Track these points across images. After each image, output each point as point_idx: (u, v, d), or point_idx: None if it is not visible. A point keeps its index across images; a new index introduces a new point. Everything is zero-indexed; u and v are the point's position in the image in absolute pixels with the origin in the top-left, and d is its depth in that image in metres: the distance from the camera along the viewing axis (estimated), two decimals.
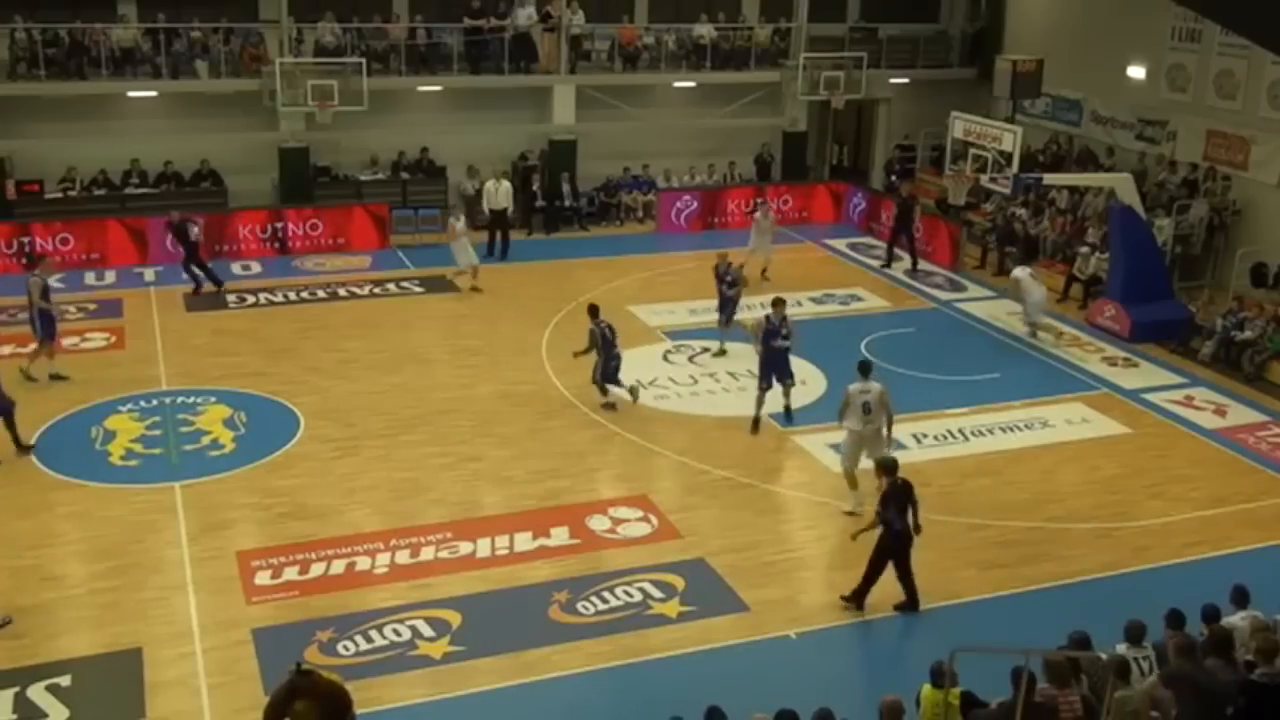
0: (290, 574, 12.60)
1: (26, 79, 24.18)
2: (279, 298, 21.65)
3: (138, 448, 15.43)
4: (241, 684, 10.80)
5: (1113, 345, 20.17)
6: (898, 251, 24.60)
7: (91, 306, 20.88)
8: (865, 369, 14.31)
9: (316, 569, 12.70)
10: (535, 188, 26.71)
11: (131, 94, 24.96)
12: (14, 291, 21.25)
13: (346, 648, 11.36)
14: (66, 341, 19.08)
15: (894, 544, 11.98)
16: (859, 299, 22.44)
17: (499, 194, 24.57)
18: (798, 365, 18.67)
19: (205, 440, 15.66)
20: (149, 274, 22.86)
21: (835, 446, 15.78)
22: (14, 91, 23.87)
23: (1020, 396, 17.80)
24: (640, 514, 14.04)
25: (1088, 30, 26.35)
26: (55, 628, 11.61)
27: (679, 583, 12.58)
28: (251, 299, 21.51)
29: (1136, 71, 25.38)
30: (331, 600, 12.16)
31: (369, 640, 11.49)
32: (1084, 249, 22.67)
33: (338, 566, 12.78)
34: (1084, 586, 12.77)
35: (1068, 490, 15.00)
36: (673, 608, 12.16)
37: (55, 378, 17.53)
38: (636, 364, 18.70)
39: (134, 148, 25.15)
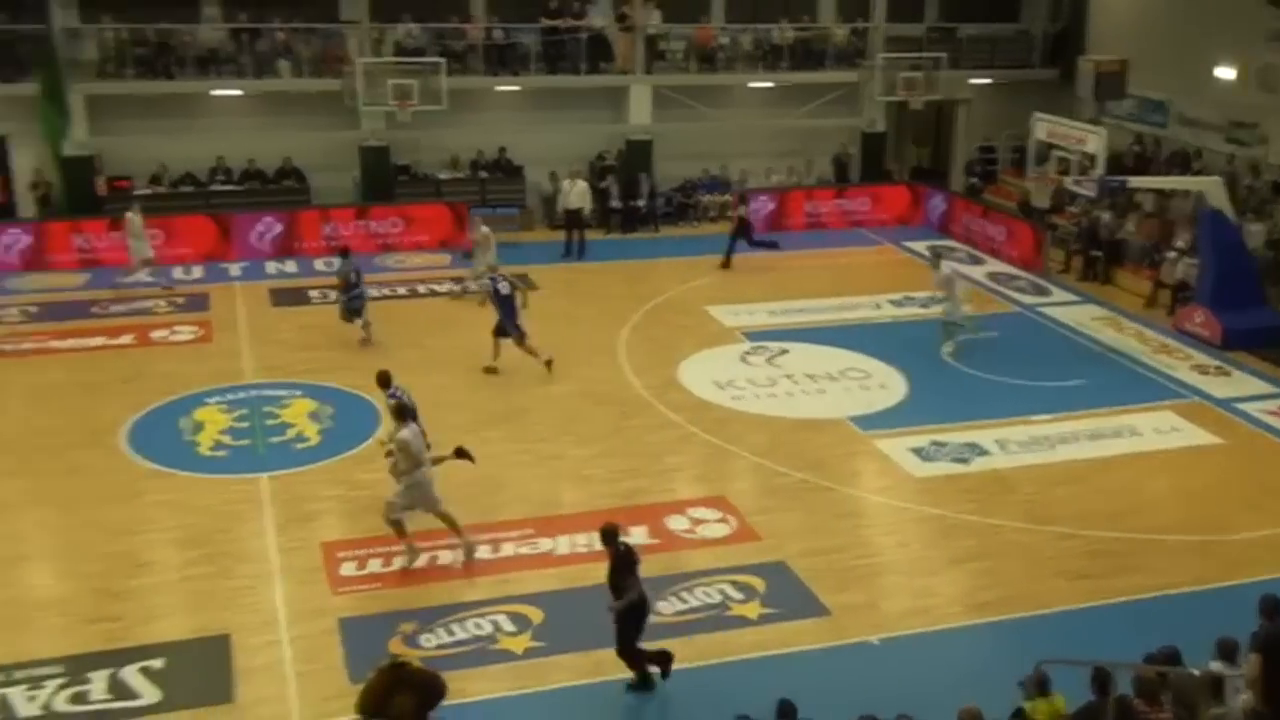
0: (374, 566, 12.75)
1: (116, 78, 24.73)
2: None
3: (226, 439, 15.71)
4: (328, 673, 10.93)
5: (1202, 352, 19.73)
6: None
7: (180, 300, 21.30)
8: (408, 414, 13.02)
9: (400, 561, 12.82)
10: (605, 186, 26.73)
11: (216, 93, 25.42)
12: (107, 283, 21.89)
13: (429, 640, 11.46)
14: (156, 334, 19.54)
15: (634, 616, 10.77)
16: (940, 302, 22.16)
17: (574, 194, 24.68)
18: (874, 367, 18.64)
19: (291, 433, 15.88)
20: (235, 269, 23.27)
21: (918, 451, 15.72)
22: (104, 90, 24.41)
23: (1107, 403, 17.48)
24: (719, 515, 14.01)
25: (1174, 29, 25.83)
26: (148, 612, 11.86)
27: (759, 585, 12.53)
28: (334, 295, 21.73)
29: (1225, 72, 24.83)
30: (415, 593, 12.28)
31: (451, 633, 11.59)
32: (1171, 254, 22.26)
33: (420, 560, 12.89)
34: (1174, 600, 12.49)
35: (1157, 500, 14.72)
36: (752, 609, 12.12)
37: None
38: (714, 364, 18.72)
39: (220, 145, 25.61)
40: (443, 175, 26.88)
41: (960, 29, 29.72)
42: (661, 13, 27.45)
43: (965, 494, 14.68)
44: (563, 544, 13.31)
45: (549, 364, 18.01)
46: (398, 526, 12.74)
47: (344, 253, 19.60)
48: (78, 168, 24.25)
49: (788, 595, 12.38)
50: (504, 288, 18.07)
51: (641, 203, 27.02)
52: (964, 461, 15.57)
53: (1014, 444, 16.09)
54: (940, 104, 29.48)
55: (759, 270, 23.84)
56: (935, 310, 20.15)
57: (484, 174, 27.06)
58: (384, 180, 26.08)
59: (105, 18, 24.74)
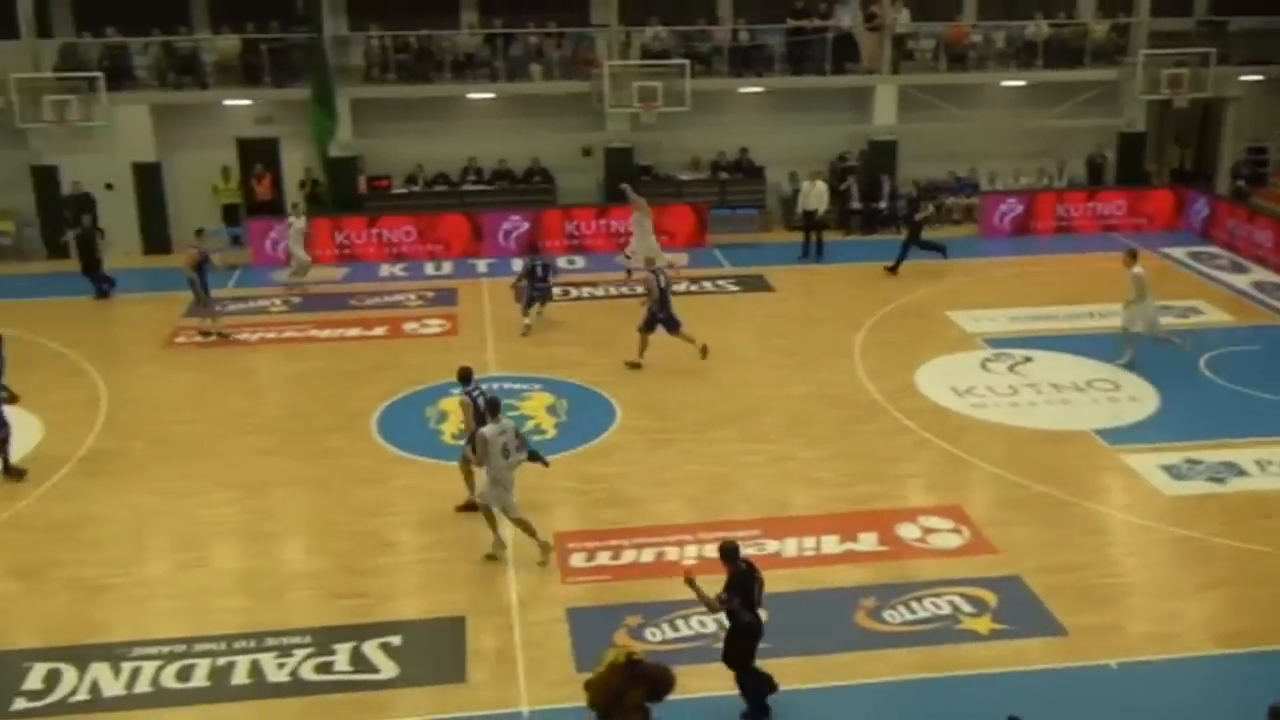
0: (603, 558, 12.98)
1: (379, 83, 26.07)
2: (600, 292, 22.37)
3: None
4: (555, 659, 11.20)
5: None
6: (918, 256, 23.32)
7: (430, 294, 22.28)
8: (495, 408, 13.00)
9: (628, 555, 13.04)
10: (845, 188, 26.39)
11: (471, 96, 26.44)
12: (364, 277, 23.14)
13: (654, 634, 11.56)
14: (407, 327, 20.50)
15: (742, 638, 10.38)
16: (1199, 312, 20.94)
17: (812, 195, 24.50)
18: (1124, 378, 17.78)
19: (529, 425, 16.25)
20: (482, 265, 24.17)
21: (1169, 468, 14.88)
22: (368, 94, 25.77)
23: None
24: (952, 525, 13.63)
25: None
26: (390, 590, 12.45)
27: (991, 599, 12.12)
28: (575, 292, 22.33)
29: None
30: (641, 587, 12.41)
31: (675, 629, 11.66)
32: None
33: (648, 555, 13.05)
34: None
35: None
36: (984, 624, 11.74)
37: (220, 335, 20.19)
38: (953, 370, 18.24)
39: (472, 146, 26.61)
40: (684, 176, 27.17)
41: (1231, 23, 27.97)
42: (909, 11, 26.95)
43: (1219, 516, 13.79)
44: (790, 546, 13.22)
45: (636, 366, 18.34)
46: (524, 526, 12.88)
47: (533, 249, 20.83)
48: (342, 168, 25.69)
49: (1022, 611, 11.93)
50: (663, 280, 18.49)
51: (882, 204, 26.59)
52: (1220, 481, 14.64)
53: (1275, 465, 15.01)
54: (1207, 102, 27.84)
55: (1002, 275, 23.12)
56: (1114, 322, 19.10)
57: (724, 175, 27.20)
58: (627, 180, 26.50)
59: (372, 26, 26.12)
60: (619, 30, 26.02)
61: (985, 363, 18.65)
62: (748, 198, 26.78)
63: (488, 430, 12.69)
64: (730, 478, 14.89)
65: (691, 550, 13.11)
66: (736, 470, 15.08)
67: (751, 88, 26.93)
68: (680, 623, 11.75)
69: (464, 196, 26.36)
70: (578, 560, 12.94)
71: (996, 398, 17.26)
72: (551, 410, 16.86)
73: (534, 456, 13.56)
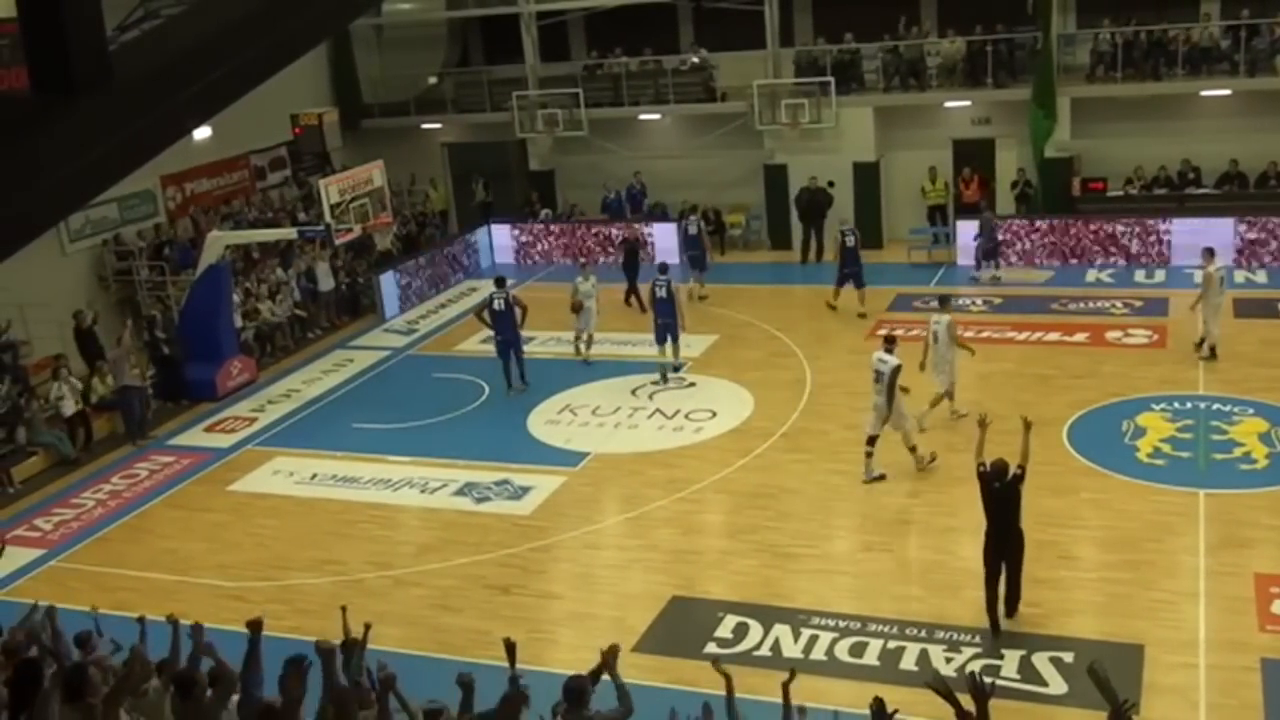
0: None
1: (1104, 81, 25.05)
2: None
3: (1166, 448, 15.28)
4: (1243, 713, 10.21)
5: None
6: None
7: (1137, 303, 21.08)
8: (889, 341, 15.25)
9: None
10: None
11: (1204, 93, 24.54)
12: (1068, 281, 22.42)
13: None
14: (1110, 335, 19.58)
15: None
16: None
17: None
18: None
19: (1237, 452, 14.96)
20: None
21: None
22: (1090, 94, 24.84)
23: None
24: None
25: None
26: (1064, 605, 12.06)
27: None
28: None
29: None
30: None
31: None
32: None
33: None
34: None
35: None
36: None
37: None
38: None
39: (1199, 147, 24.66)
40: None
41: None
42: None
43: None
44: None
45: None
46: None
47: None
48: (1057, 169, 25.05)
49: None
50: None
51: None
52: None
53: None
54: None
55: None
56: None
57: None
58: None
59: (1104, 22, 25.17)
60: None
61: None
62: None
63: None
64: None
65: None
66: None
67: None
68: None
69: (1185, 200, 24.55)
70: (1278, 608, 11.61)
71: None
72: (1265, 438, 15.24)
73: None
